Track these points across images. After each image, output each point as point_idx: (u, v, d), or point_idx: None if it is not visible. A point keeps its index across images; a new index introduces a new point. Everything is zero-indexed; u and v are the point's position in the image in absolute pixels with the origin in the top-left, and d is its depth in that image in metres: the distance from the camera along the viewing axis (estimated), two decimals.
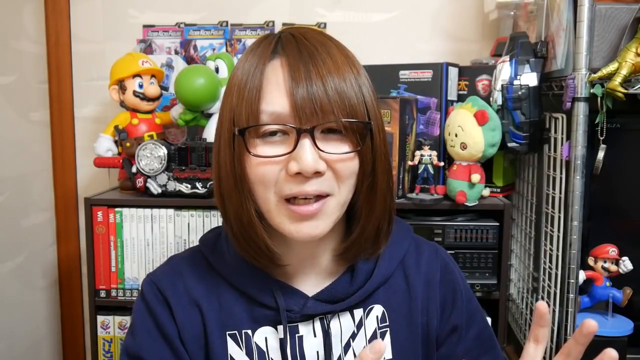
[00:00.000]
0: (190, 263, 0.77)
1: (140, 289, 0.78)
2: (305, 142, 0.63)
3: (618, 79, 0.99)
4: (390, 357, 0.75)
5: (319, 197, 0.66)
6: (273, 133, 0.65)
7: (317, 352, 0.73)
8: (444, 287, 0.79)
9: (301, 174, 0.63)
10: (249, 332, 0.72)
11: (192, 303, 0.74)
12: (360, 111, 0.65)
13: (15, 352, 1.56)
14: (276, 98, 0.64)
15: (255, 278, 0.73)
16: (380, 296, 0.75)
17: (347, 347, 0.73)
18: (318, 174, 0.64)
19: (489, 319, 1.27)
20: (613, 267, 1.17)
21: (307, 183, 0.64)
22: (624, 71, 0.99)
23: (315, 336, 0.73)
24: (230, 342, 0.72)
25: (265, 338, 0.72)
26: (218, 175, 0.70)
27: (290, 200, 0.66)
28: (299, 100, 0.63)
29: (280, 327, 0.71)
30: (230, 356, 0.72)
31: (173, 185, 1.32)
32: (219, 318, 0.73)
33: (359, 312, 0.74)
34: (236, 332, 0.73)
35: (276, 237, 0.69)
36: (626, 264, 1.16)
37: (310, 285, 0.74)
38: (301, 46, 0.66)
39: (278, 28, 1.60)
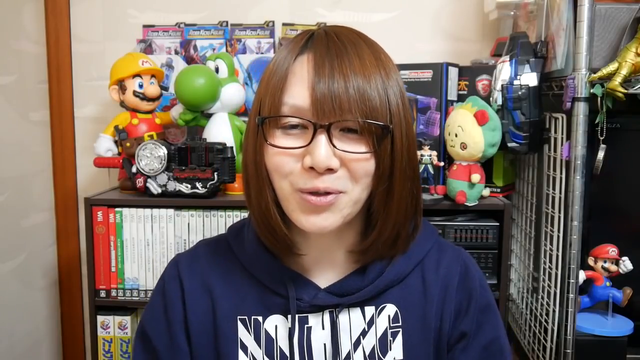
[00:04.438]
0: (213, 248, 0.81)
1: (166, 265, 0.82)
2: (321, 138, 0.64)
3: (618, 79, 1.00)
4: (401, 358, 0.74)
5: (331, 192, 0.66)
6: (294, 126, 0.66)
7: (324, 344, 0.73)
8: (461, 293, 0.77)
9: (314, 168, 0.64)
10: (260, 318, 0.74)
11: (205, 288, 0.76)
12: (382, 114, 0.65)
13: (15, 352, 1.56)
14: (298, 91, 0.65)
15: (270, 266, 0.74)
16: (394, 296, 0.75)
17: (357, 344, 0.74)
18: (331, 170, 0.65)
19: None
20: (613, 267, 1.17)
21: (319, 178, 0.65)
22: (624, 71, 0.99)
23: (323, 328, 0.73)
24: (240, 327, 0.74)
25: (276, 326, 0.74)
26: (244, 162, 0.73)
27: (304, 191, 0.67)
28: (319, 95, 0.63)
29: (290, 316, 0.73)
30: (241, 340, 0.74)
31: (173, 185, 1.32)
32: (231, 303, 0.75)
33: (370, 310, 0.75)
34: (246, 317, 0.74)
35: (293, 226, 0.71)
36: (626, 264, 1.16)
37: (325, 279, 0.75)
38: (330, 43, 0.67)
39: (278, 28, 1.60)
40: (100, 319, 1.38)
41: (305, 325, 0.73)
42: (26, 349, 1.61)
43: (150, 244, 1.35)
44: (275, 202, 0.70)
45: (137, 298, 1.36)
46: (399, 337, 0.75)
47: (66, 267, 1.74)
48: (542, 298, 1.25)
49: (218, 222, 1.33)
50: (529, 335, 1.35)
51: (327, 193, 0.66)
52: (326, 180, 0.65)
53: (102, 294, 1.37)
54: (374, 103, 0.65)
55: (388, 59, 0.70)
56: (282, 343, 0.73)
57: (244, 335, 0.74)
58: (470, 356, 0.76)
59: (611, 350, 1.14)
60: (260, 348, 0.73)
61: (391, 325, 0.75)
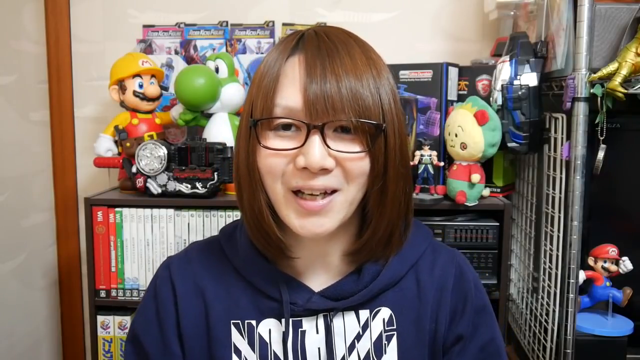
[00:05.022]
0: (205, 250, 0.80)
1: (158, 268, 0.81)
2: (315, 139, 0.64)
3: (618, 79, 1.00)
4: None
5: (326, 193, 0.66)
6: (287, 127, 0.66)
7: (319, 348, 0.73)
8: (456, 295, 0.77)
9: (308, 169, 0.64)
10: (253, 322, 0.73)
11: (197, 291, 0.76)
12: (375, 113, 0.65)
13: (15, 352, 1.56)
14: (290, 93, 0.65)
15: (263, 270, 0.74)
16: (388, 299, 0.75)
17: (351, 347, 0.73)
18: (325, 170, 0.65)
19: None
20: (613, 267, 1.17)
21: (314, 178, 0.65)
22: (624, 71, 0.99)
23: (317, 332, 0.73)
24: (234, 331, 0.74)
25: (269, 330, 0.73)
26: (236, 164, 0.72)
27: (298, 193, 0.66)
28: (312, 96, 0.63)
29: (284, 320, 0.72)
30: (234, 344, 0.73)
31: (173, 185, 1.32)
32: (224, 306, 0.74)
33: (364, 313, 0.74)
34: (240, 321, 0.74)
35: (287, 230, 0.70)
36: (626, 264, 1.16)
37: (319, 282, 0.75)
38: (321, 43, 0.67)
39: (278, 28, 1.60)
40: (100, 319, 1.38)
41: (299, 329, 0.73)
42: (26, 349, 1.61)
43: (150, 244, 1.35)
44: (269, 205, 0.69)
45: (137, 298, 1.36)
46: (394, 340, 0.74)
47: (66, 267, 1.74)
48: (542, 298, 1.25)
49: (218, 222, 1.33)
50: (529, 335, 1.35)
51: (322, 194, 0.66)
52: (321, 179, 0.65)
53: (102, 294, 1.37)
54: (367, 102, 0.65)
55: (379, 58, 0.70)
56: (276, 347, 0.73)
57: (238, 339, 0.73)
58: (467, 358, 0.76)
59: (611, 350, 1.14)
60: (254, 352, 0.73)
61: (386, 328, 0.74)
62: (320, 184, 0.65)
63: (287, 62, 0.67)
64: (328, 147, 0.64)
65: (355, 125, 0.64)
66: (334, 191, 0.67)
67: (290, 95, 0.65)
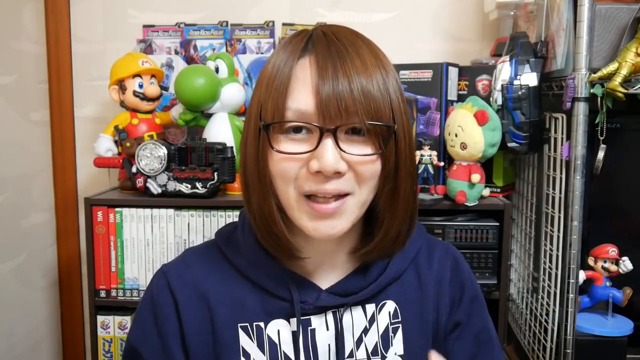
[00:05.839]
0: (204, 255, 0.78)
1: (152, 278, 0.79)
2: (328, 142, 0.63)
3: (618, 79, 1.00)
4: (402, 353, 0.75)
5: (339, 196, 0.66)
6: (298, 130, 0.66)
7: (329, 345, 0.73)
8: (453, 285, 0.80)
9: (321, 172, 0.64)
10: (261, 324, 0.73)
11: (200, 297, 0.74)
12: (386, 114, 0.65)
13: (15, 352, 1.56)
14: (302, 95, 0.64)
15: (270, 270, 0.74)
16: (392, 292, 0.76)
17: (359, 341, 0.74)
18: (338, 174, 0.64)
19: None
20: (613, 267, 1.17)
21: (327, 182, 0.64)
22: (624, 71, 0.99)
23: (327, 329, 0.73)
24: (242, 334, 0.73)
25: (278, 331, 0.73)
26: (244, 167, 0.71)
27: (310, 197, 0.66)
28: (325, 98, 0.63)
29: (293, 320, 0.72)
30: (243, 348, 0.73)
31: (173, 185, 1.32)
32: (230, 310, 0.73)
33: (371, 307, 0.75)
34: (248, 324, 0.73)
35: (297, 231, 0.70)
36: (626, 264, 1.16)
37: (325, 280, 0.75)
38: (331, 45, 0.66)
39: (278, 28, 1.60)
40: (100, 319, 1.38)
41: (309, 328, 0.73)
42: (26, 349, 1.61)
43: (150, 244, 1.35)
44: (279, 209, 0.69)
45: (137, 298, 1.36)
46: (399, 332, 0.76)
47: (66, 267, 1.74)
48: (542, 298, 1.25)
49: (218, 222, 1.33)
50: (529, 335, 1.35)
51: (335, 198, 0.66)
52: (333, 183, 0.65)
53: (102, 294, 1.37)
54: (378, 103, 0.64)
55: (385, 58, 0.70)
56: (286, 348, 0.73)
57: (246, 342, 0.73)
58: (464, 343, 0.79)
59: (611, 350, 1.14)
60: (264, 354, 0.72)
61: (392, 321, 0.76)
62: (333, 188, 0.65)
63: (296, 63, 0.66)
64: (342, 150, 0.64)
65: (368, 127, 0.64)
66: (346, 194, 0.66)
67: (301, 98, 0.64)
